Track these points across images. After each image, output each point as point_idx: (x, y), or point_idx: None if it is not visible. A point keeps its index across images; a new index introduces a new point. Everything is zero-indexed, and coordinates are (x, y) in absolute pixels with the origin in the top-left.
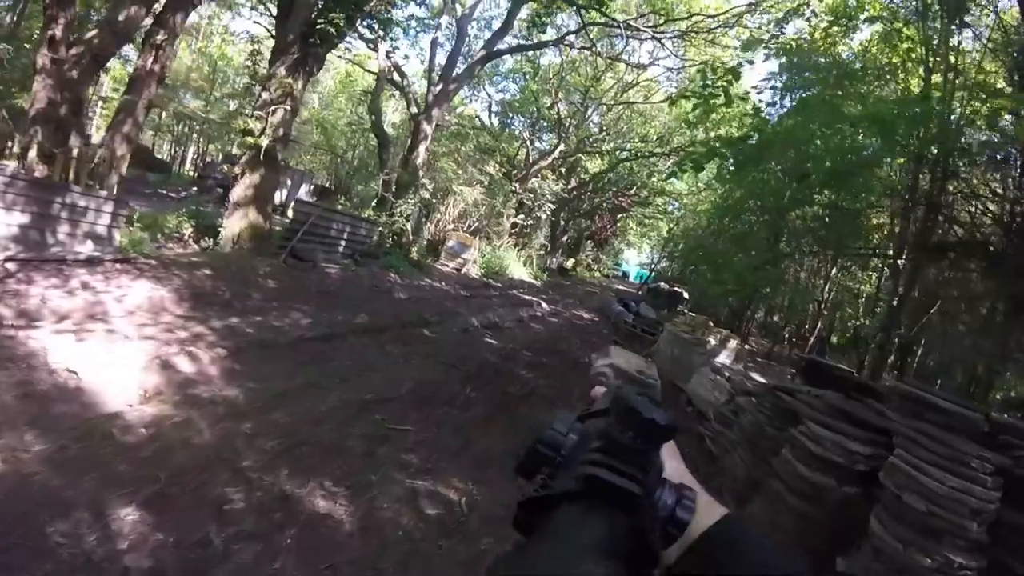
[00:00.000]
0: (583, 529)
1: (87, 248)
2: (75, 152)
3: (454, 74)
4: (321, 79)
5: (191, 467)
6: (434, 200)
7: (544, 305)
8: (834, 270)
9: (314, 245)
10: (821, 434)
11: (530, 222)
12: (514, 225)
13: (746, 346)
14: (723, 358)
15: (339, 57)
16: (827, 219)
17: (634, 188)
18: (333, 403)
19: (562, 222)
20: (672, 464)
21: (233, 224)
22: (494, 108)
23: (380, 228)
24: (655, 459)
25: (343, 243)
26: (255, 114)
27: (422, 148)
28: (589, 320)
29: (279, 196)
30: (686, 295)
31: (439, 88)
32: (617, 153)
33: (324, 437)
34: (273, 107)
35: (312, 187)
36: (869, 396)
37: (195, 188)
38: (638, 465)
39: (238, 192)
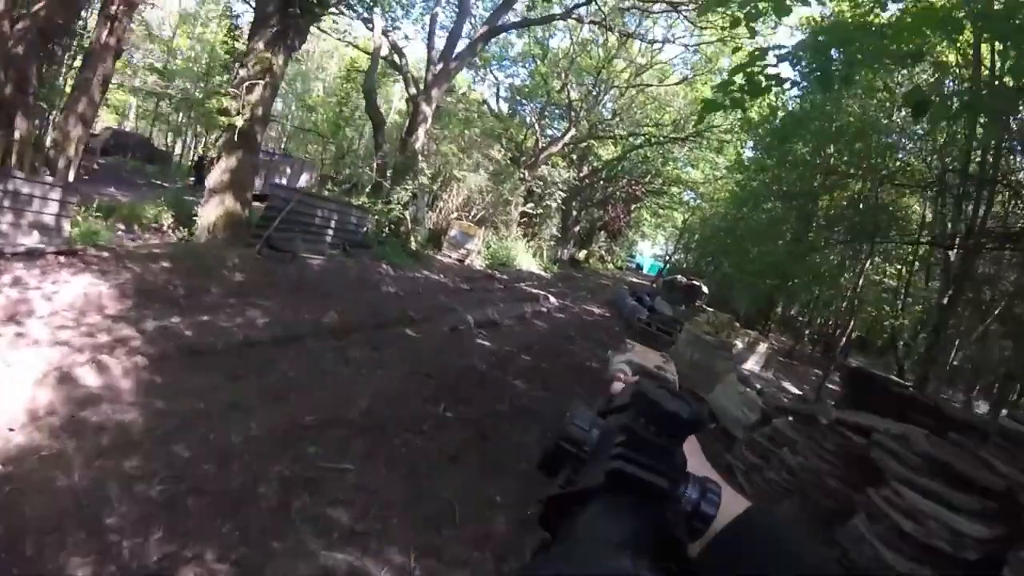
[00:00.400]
0: (611, 524)
1: (31, 240)
2: (18, 135)
3: (456, 52)
4: (326, 67)
5: (38, 523)
6: (433, 187)
7: (551, 299)
8: (868, 263)
9: (294, 234)
10: (917, 504)
11: (540, 211)
12: (523, 214)
13: (768, 345)
14: (751, 364)
15: (339, 40)
16: (861, 206)
17: (648, 176)
18: (257, 430)
19: (574, 212)
20: (694, 458)
21: (208, 212)
22: (502, 93)
23: (376, 216)
24: (678, 453)
25: (330, 232)
26: (229, 91)
27: (421, 131)
28: (600, 316)
29: None
30: (705, 289)
31: (440, 67)
32: (631, 139)
33: (229, 481)
34: (250, 83)
35: (313, 175)
36: (946, 426)
37: (192, 178)
38: (662, 459)
39: (214, 177)
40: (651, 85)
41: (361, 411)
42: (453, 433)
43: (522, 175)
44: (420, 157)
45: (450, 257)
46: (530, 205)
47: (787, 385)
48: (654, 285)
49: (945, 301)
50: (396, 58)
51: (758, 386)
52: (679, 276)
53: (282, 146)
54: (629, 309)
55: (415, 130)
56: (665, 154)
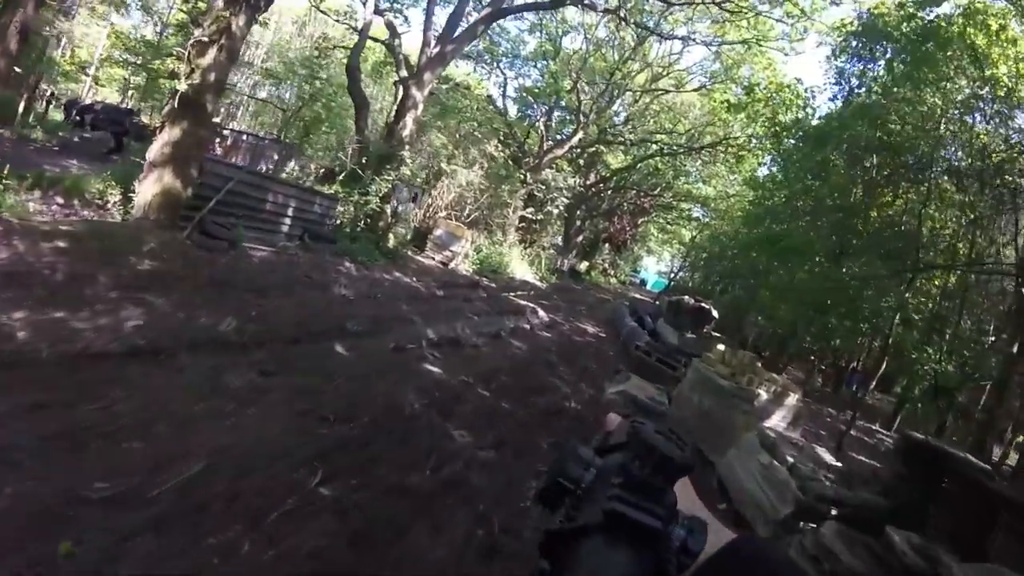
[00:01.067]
0: (607, 561)
1: None
2: None
3: (455, 35)
4: (334, 56)
5: None
6: (418, 180)
7: (540, 313)
8: (908, 294)
9: (236, 220)
10: None
11: (540, 217)
12: (522, 219)
13: (799, 397)
14: (777, 420)
15: (337, 21)
16: (902, 227)
17: (658, 189)
18: (3, 501)
19: (577, 220)
20: (683, 494)
21: (146, 189)
22: (511, 93)
23: (350, 206)
24: (670, 493)
25: (287, 221)
26: (176, 52)
27: (410, 118)
28: (594, 336)
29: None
30: (715, 313)
31: (435, 50)
32: (642, 147)
33: None
34: (201, 44)
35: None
36: None
37: None
38: (655, 499)
39: (154, 149)
40: (667, 91)
41: (184, 480)
42: (314, 530)
43: (523, 177)
44: (407, 146)
45: (433, 259)
46: (530, 210)
47: (823, 452)
48: (656, 302)
49: (1015, 350)
50: (391, 39)
51: (789, 459)
52: (685, 296)
53: (276, 132)
54: (628, 332)
55: (403, 116)
56: (677, 167)
